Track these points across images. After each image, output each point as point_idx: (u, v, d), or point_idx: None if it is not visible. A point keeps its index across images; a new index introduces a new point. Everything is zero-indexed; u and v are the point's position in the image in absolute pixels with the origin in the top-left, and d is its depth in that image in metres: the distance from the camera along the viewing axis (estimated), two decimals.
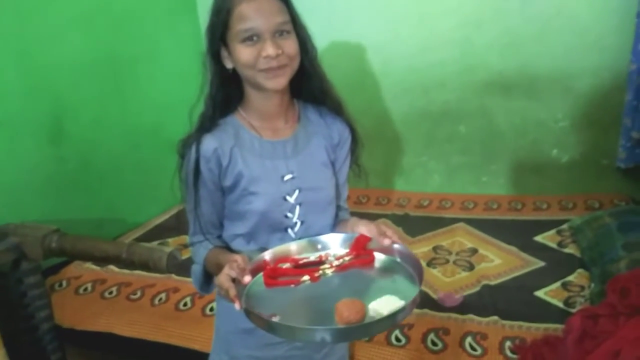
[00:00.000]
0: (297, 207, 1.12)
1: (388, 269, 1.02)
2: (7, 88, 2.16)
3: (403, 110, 2.95)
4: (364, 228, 1.08)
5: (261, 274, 1.00)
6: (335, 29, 2.82)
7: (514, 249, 2.23)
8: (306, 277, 0.98)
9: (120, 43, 2.67)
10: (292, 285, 0.98)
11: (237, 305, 0.89)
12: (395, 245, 1.03)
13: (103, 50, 2.57)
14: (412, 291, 0.91)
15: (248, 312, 0.87)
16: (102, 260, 2.06)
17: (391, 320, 0.84)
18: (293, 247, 1.08)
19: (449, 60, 2.76)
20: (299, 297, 0.96)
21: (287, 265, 1.02)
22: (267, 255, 1.04)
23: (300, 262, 1.04)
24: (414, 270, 0.98)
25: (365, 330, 0.87)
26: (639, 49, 2.29)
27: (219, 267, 1.01)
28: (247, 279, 0.93)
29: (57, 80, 2.36)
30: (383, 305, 0.87)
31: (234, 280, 0.92)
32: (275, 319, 0.85)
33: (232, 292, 0.90)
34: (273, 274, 0.99)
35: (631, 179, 2.57)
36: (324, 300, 0.92)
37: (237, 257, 0.97)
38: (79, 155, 2.47)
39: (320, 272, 1.00)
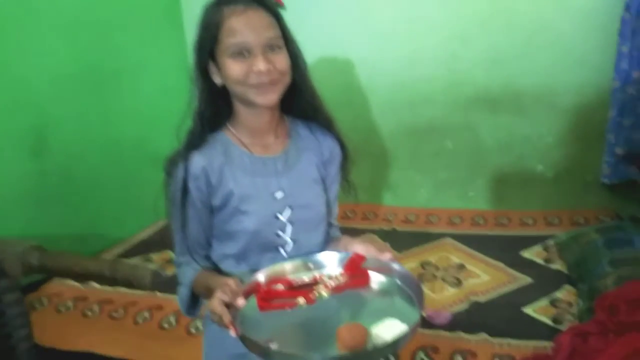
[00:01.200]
0: (289, 226, 1.10)
1: (386, 290, 0.99)
2: None
3: (390, 126, 2.96)
4: (360, 247, 1.05)
5: (254, 296, 0.96)
6: (321, 45, 2.82)
7: (501, 264, 2.22)
8: (301, 300, 0.95)
9: (104, 55, 2.63)
10: (287, 308, 0.94)
11: (232, 332, 0.84)
12: (395, 266, 1.00)
13: (86, 62, 2.53)
14: (413, 314, 0.88)
15: (244, 338, 0.82)
16: (84, 277, 2.01)
17: (395, 345, 0.81)
18: (286, 266, 1.04)
19: (435, 76, 2.77)
20: (295, 321, 0.92)
21: (280, 286, 0.99)
22: (261, 276, 1.00)
23: (294, 283, 1.01)
24: (413, 292, 0.95)
25: (369, 357, 0.83)
26: (621, 67, 2.33)
27: (209, 291, 0.98)
28: (240, 302, 0.89)
29: (39, 93, 2.32)
30: (385, 329, 0.84)
31: (227, 305, 0.88)
32: (273, 346, 0.81)
33: (227, 317, 0.85)
34: (267, 297, 0.95)
35: (616, 195, 2.60)
36: (321, 324, 0.89)
37: (229, 281, 0.93)
38: (61, 169, 2.42)
39: (316, 293, 0.97)
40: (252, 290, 0.97)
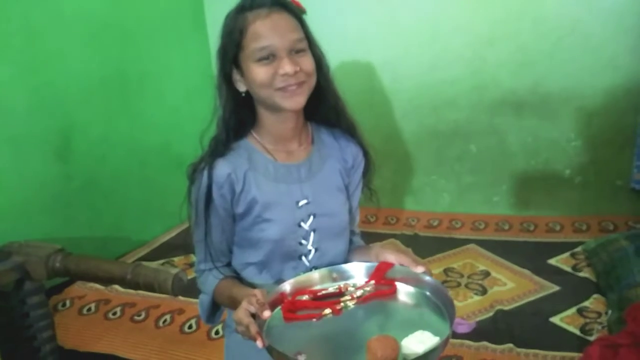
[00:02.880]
0: (312, 234, 1.08)
1: (414, 301, 0.96)
2: (14, 105, 2.14)
3: (412, 129, 2.92)
4: (391, 257, 1.02)
5: (279, 307, 0.94)
6: (344, 47, 2.80)
7: (527, 272, 2.17)
8: (328, 311, 0.93)
9: (128, 60, 2.66)
10: (314, 320, 0.92)
11: (259, 343, 0.82)
12: (427, 278, 0.97)
13: (111, 68, 2.56)
14: (443, 327, 0.86)
15: (271, 350, 0.80)
16: (107, 280, 2.02)
17: (426, 358, 0.78)
18: (315, 276, 1.03)
19: (459, 78, 2.73)
20: (322, 333, 0.90)
21: (305, 297, 0.97)
22: (287, 286, 0.99)
23: (319, 293, 0.99)
24: (443, 305, 0.92)
25: None
26: None
27: (232, 301, 0.97)
28: (266, 314, 0.87)
29: (65, 97, 2.35)
30: (417, 342, 0.81)
31: (253, 315, 0.86)
32: (301, 358, 0.80)
33: (254, 328, 0.83)
34: (292, 308, 0.94)
35: None
36: (349, 335, 0.88)
37: (256, 292, 0.91)
38: (85, 172, 2.45)
39: (342, 304, 0.95)
40: (278, 301, 0.95)
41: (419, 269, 0.97)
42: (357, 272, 1.04)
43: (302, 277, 1.02)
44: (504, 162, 2.78)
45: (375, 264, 1.03)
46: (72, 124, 2.39)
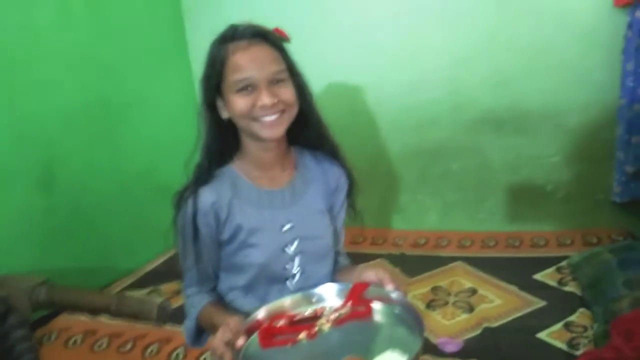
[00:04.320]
0: (296, 258, 1.10)
1: (387, 320, 0.98)
2: None
3: (396, 149, 2.95)
4: (372, 274, 1.03)
5: (256, 334, 0.95)
6: (326, 71, 2.83)
7: (513, 288, 2.18)
8: (302, 335, 0.94)
9: (110, 90, 2.67)
10: (289, 345, 0.93)
11: None
12: (394, 295, 0.99)
13: (94, 96, 2.57)
14: (414, 343, 0.87)
15: None
16: (92, 311, 2.01)
17: None
18: (287, 302, 1.03)
19: (439, 99, 2.77)
20: (297, 357, 0.91)
21: (282, 322, 0.98)
22: (261, 313, 0.99)
23: (295, 318, 1.00)
24: (413, 321, 0.93)
25: None
26: (626, 85, 2.31)
27: (213, 328, 0.97)
28: (239, 342, 0.88)
29: (48, 127, 2.35)
30: None
31: (229, 343, 0.87)
32: None
33: (227, 357, 0.85)
34: (268, 333, 0.95)
35: (628, 213, 2.55)
36: (324, 358, 0.89)
37: (231, 320, 0.92)
38: (69, 202, 2.44)
39: (317, 327, 0.96)
40: (254, 327, 0.96)
41: (388, 287, 0.99)
42: (330, 295, 1.05)
43: (276, 303, 1.02)
44: (487, 179, 2.81)
45: (349, 285, 1.04)
46: (55, 154, 2.39)
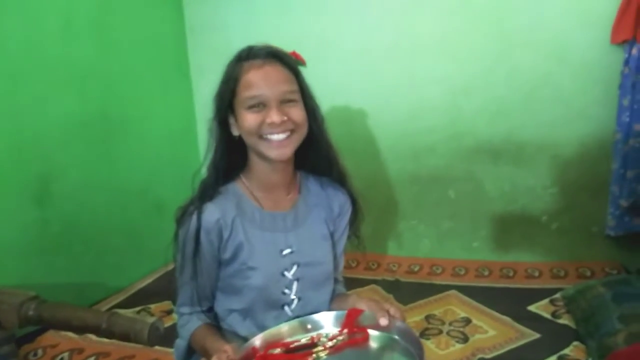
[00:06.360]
0: (295, 283, 1.09)
1: (385, 347, 0.97)
2: None
3: (393, 174, 2.96)
4: (363, 304, 1.03)
5: None
6: (326, 95, 2.84)
7: (507, 319, 2.17)
8: None
9: (110, 105, 2.67)
10: None
11: None
12: (396, 323, 0.98)
13: (93, 112, 2.57)
14: None
15: None
16: (81, 329, 1.96)
17: None
18: (284, 329, 1.02)
19: (437, 127, 2.80)
20: None
21: (278, 350, 0.96)
22: (257, 341, 0.98)
23: (292, 345, 0.98)
24: (413, 347, 0.93)
25: None
26: (622, 120, 2.35)
27: (205, 352, 0.96)
28: None
29: (45, 142, 2.33)
30: None
31: None
32: None
33: None
34: None
35: (622, 247, 2.57)
36: None
37: (227, 347, 0.90)
38: (63, 217, 2.41)
39: (314, 355, 0.94)
40: (250, 356, 0.95)
41: (382, 322, 0.98)
42: (327, 322, 1.04)
43: (272, 331, 1.01)
44: (482, 208, 2.82)
45: (342, 312, 1.04)
46: (52, 168, 2.37)
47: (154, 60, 2.95)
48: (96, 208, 2.58)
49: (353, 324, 1.01)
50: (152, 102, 2.94)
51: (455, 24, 2.67)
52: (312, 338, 1.01)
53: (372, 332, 1.00)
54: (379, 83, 2.86)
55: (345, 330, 1.01)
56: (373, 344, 0.98)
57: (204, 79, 3.16)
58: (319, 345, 0.98)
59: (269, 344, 0.98)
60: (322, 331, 1.03)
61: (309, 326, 1.04)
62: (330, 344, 0.97)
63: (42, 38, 2.31)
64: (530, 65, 2.57)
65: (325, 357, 0.95)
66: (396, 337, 0.98)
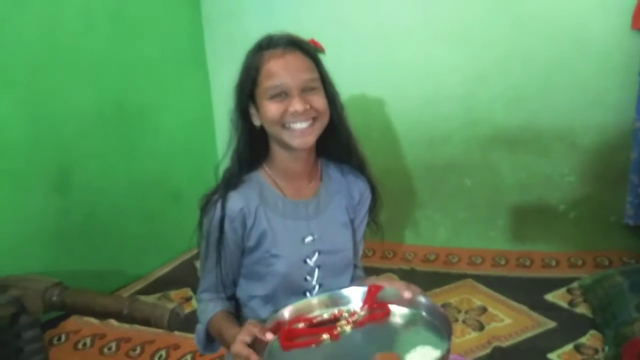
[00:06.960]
0: (316, 270, 1.10)
1: (410, 322, 0.99)
2: (14, 138, 2.17)
3: (409, 163, 2.96)
4: (385, 283, 1.04)
5: (276, 337, 0.95)
6: (341, 83, 2.84)
7: (524, 307, 2.17)
8: (326, 336, 0.95)
9: (128, 94, 2.70)
10: (313, 346, 0.93)
11: None
12: (421, 298, 1.00)
13: (110, 102, 2.60)
14: (441, 343, 0.88)
15: None
16: (103, 315, 2.01)
17: None
18: (314, 301, 1.05)
19: (453, 115, 2.79)
20: (323, 358, 0.92)
21: (301, 325, 0.99)
22: (285, 313, 1.01)
23: (315, 320, 1.01)
24: (440, 323, 0.94)
25: None
26: None
27: (221, 336, 0.98)
28: (268, 336, 0.89)
29: (65, 131, 2.37)
30: (420, 357, 0.84)
31: (251, 345, 0.87)
32: None
33: (254, 357, 0.84)
34: (289, 336, 0.95)
35: None
36: (351, 358, 0.90)
37: (252, 321, 0.93)
38: (83, 206, 2.46)
39: (339, 328, 0.97)
40: (273, 330, 0.96)
41: (406, 295, 1.00)
42: (355, 297, 1.06)
43: (301, 303, 1.03)
44: (499, 197, 2.81)
45: (362, 288, 1.06)
46: (72, 157, 2.41)
47: (170, 50, 2.97)
48: (115, 197, 2.62)
49: (373, 300, 1.03)
50: (169, 92, 2.97)
51: (471, 10, 2.64)
52: (334, 314, 1.02)
53: (395, 308, 1.02)
54: (395, 71, 2.85)
55: (367, 307, 1.02)
56: (396, 320, 1.00)
57: (220, 68, 3.17)
58: (342, 320, 0.99)
59: (294, 319, 1.00)
60: (344, 307, 1.04)
61: (338, 301, 1.06)
62: (352, 318, 0.99)
63: (59, 29, 2.34)
64: (548, 50, 2.54)
65: (349, 330, 0.97)
66: (423, 313, 0.99)
